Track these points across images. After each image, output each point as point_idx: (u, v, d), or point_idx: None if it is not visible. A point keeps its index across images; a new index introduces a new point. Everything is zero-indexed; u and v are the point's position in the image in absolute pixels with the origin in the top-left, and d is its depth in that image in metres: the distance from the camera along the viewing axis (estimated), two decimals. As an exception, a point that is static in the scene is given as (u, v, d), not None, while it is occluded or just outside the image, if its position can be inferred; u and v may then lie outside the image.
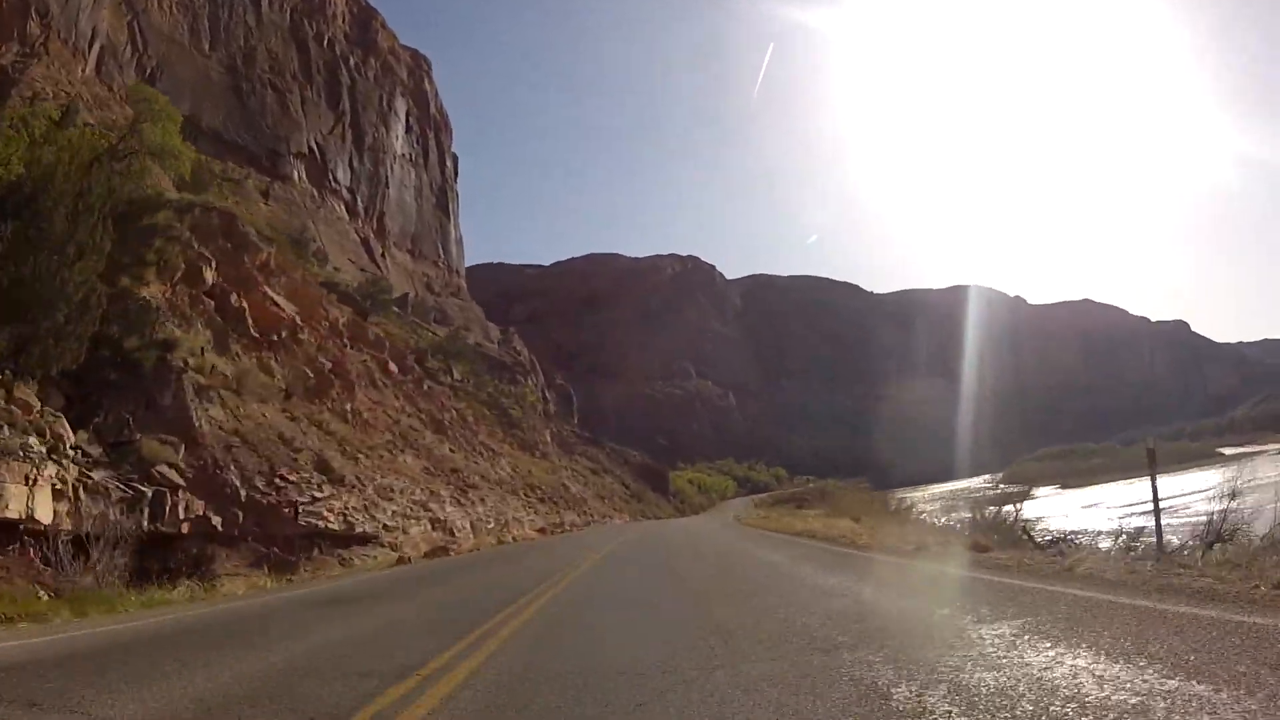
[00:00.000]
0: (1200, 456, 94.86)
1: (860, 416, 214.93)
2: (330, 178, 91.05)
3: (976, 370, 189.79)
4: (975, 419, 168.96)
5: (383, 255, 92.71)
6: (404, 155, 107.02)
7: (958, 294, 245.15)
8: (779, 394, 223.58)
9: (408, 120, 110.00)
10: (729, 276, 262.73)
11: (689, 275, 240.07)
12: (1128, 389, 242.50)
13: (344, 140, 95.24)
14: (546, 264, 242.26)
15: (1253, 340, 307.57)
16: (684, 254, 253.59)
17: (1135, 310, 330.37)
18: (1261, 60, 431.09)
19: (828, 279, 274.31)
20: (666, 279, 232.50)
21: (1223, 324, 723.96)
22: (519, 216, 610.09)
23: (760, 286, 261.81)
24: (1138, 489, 68.13)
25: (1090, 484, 79.77)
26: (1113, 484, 70.37)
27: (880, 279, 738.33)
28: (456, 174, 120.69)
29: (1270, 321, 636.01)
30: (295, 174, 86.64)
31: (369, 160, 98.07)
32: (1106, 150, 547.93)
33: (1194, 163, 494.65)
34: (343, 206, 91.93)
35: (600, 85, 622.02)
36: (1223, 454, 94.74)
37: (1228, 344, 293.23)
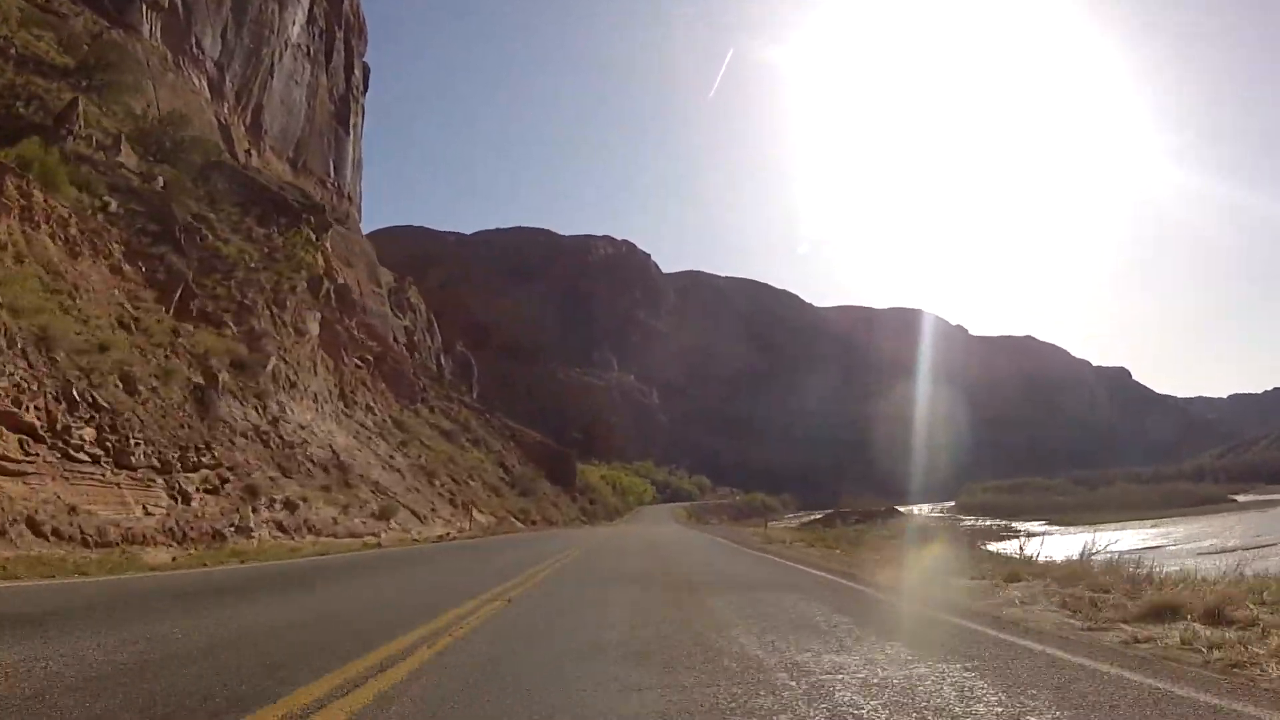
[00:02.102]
0: (1210, 501, 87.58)
1: (792, 431, 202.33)
2: (193, 43, 71.26)
3: (929, 395, 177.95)
4: (927, 444, 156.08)
5: (248, 151, 72.86)
6: (299, 46, 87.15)
7: (903, 316, 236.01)
8: (707, 398, 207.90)
9: (311, 9, 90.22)
10: (665, 270, 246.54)
11: (622, 260, 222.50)
12: (1067, 428, 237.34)
13: (219, 5, 75.33)
14: (469, 232, 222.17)
15: (1188, 396, 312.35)
16: (619, 238, 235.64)
17: (1078, 353, 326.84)
18: (1199, 93, 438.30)
19: (768, 285, 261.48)
20: (597, 260, 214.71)
21: (1160, 376, 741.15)
22: (443, 178, 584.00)
23: (698, 284, 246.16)
24: (1171, 531, 54.46)
25: (1089, 523, 65.60)
26: (1129, 524, 57.80)
27: (820, 293, 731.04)
28: (365, 87, 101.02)
29: (1203, 379, 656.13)
30: (146, 28, 66.90)
31: (249, 37, 78.13)
32: (1054, 188, 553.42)
33: (1137, 210, 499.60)
34: (204, 82, 71.96)
35: (546, 54, 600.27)
36: (1235, 500, 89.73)
37: (1168, 396, 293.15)
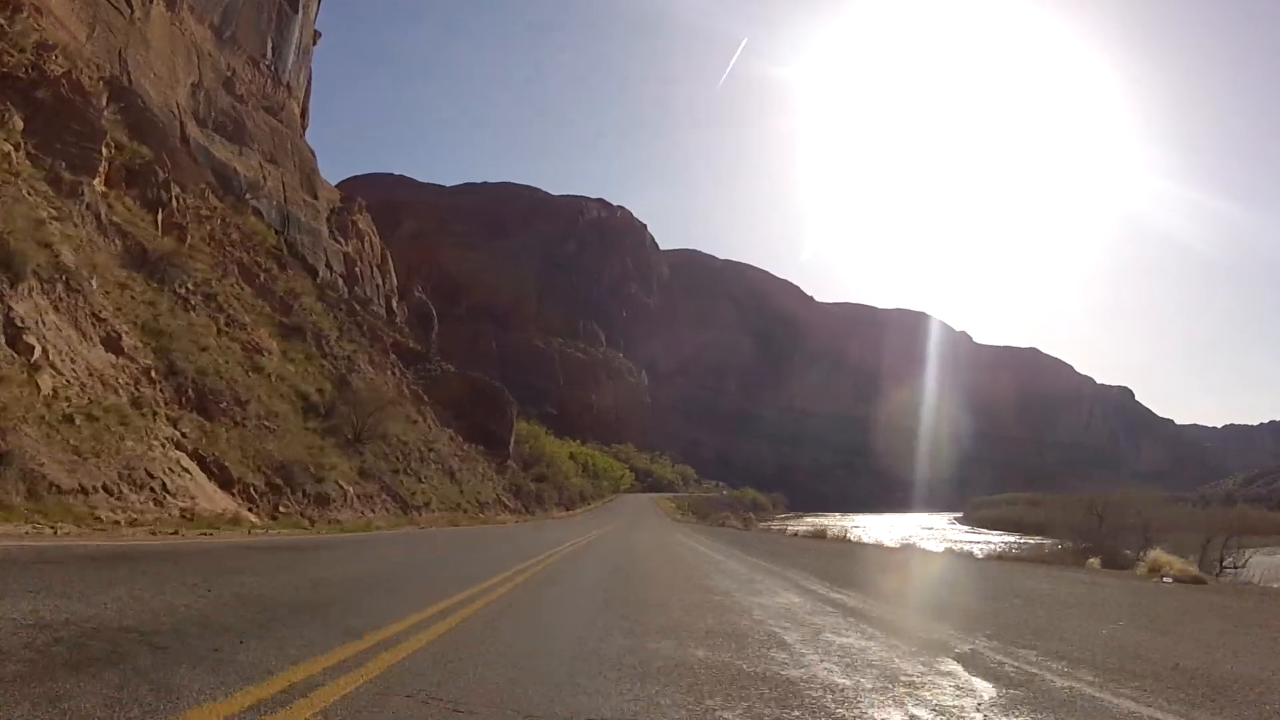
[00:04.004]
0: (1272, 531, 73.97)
1: (782, 428, 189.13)
2: None
3: (934, 402, 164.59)
4: (930, 452, 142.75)
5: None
6: (241, -105, 70.61)
7: (906, 318, 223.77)
8: (695, 385, 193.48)
9: None
10: (661, 246, 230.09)
11: (615, 226, 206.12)
12: (1060, 445, 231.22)
13: None
14: (449, 185, 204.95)
15: (1184, 423, 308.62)
16: (614, 202, 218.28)
17: (1082, 369, 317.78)
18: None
19: (768, 273, 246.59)
20: (588, 223, 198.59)
21: (1162, 399, 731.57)
22: (431, 132, 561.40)
23: (694, 264, 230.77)
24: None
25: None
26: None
27: (821, 288, 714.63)
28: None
29: (1201, 407, 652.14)
30: None
31: None
32: (1068, 208, 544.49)
33: (1156, 236, 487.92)
34: (96, -97, 55.31)
35: (556, 20, 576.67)
36: (1315, 530, 76.47)
37: (1166, 420, 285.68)
